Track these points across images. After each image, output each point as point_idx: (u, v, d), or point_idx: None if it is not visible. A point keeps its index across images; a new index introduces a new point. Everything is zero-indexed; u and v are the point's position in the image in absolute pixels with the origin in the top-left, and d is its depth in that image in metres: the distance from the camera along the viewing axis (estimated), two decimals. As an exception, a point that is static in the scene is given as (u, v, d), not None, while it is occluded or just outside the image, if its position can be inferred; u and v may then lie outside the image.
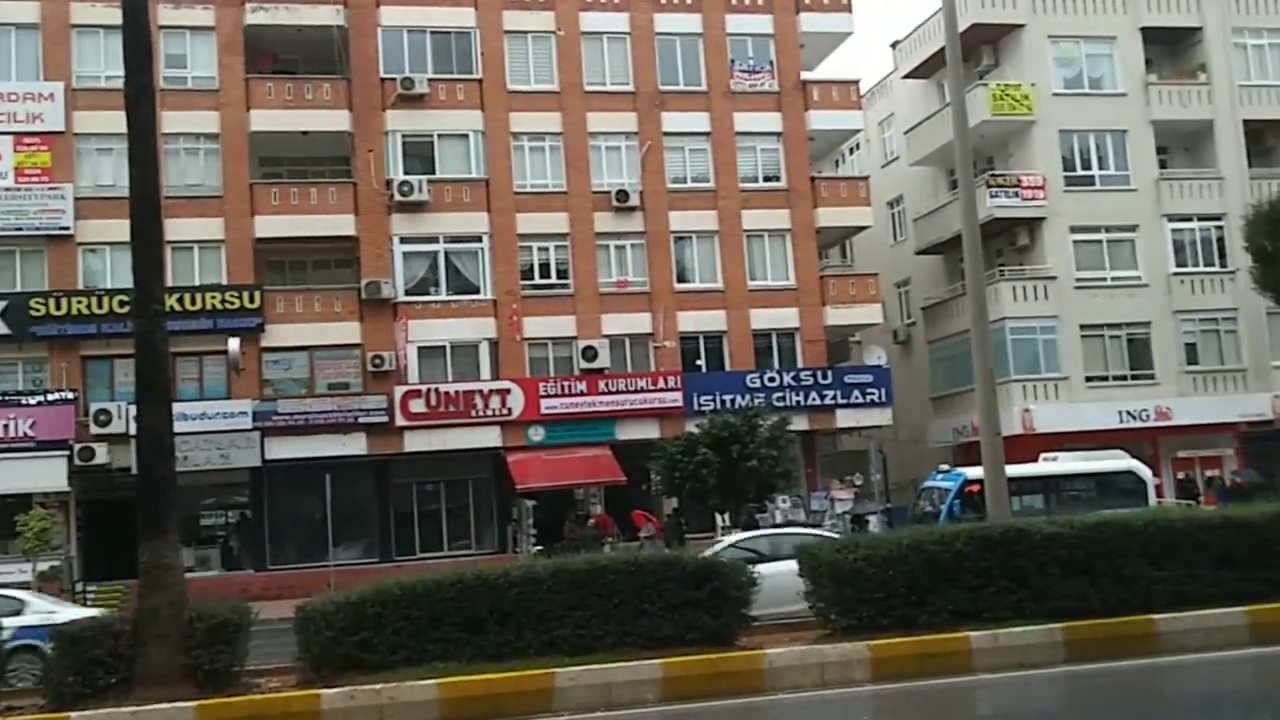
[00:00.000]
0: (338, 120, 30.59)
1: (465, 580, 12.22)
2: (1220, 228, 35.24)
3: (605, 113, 32.17)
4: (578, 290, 31.47)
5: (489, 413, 30.01)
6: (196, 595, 12.62)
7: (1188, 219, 35.20)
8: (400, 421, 29.50)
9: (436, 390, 29.79)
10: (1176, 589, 12.97)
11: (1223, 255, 35.14)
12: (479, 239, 31.18)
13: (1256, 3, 36.53)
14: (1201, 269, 35.09)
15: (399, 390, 29.59)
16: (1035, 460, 27.39)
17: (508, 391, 30.22)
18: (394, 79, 30.93)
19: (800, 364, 32.46)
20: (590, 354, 30.89)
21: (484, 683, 11.18)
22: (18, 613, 15.64)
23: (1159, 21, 35.81)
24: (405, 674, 11.38)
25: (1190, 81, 35.89)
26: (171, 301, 26.76)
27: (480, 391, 30.12)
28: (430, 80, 31.12)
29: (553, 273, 31.60)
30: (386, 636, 11.87)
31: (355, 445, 29.37)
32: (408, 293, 30.53)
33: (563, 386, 30.53)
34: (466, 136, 31.47)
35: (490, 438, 30.03)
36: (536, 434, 30.28)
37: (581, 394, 30.52)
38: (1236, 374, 34.74)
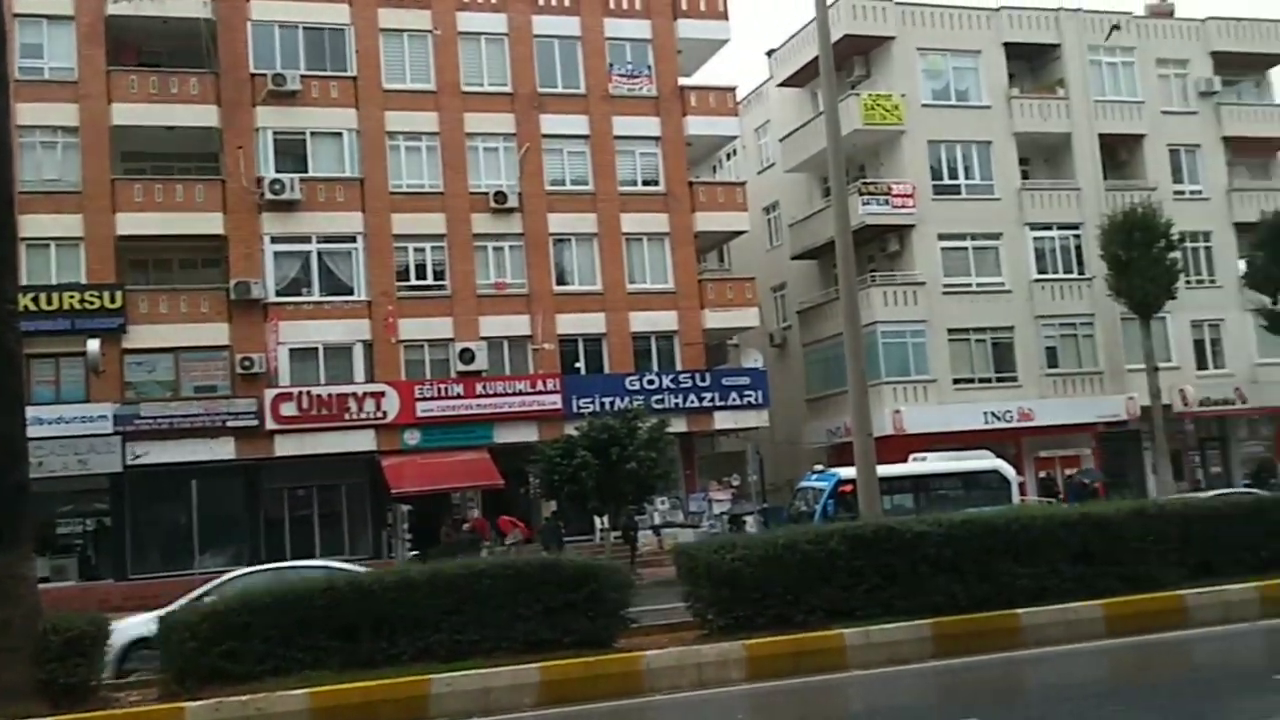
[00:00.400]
0: (205, 115, 29.75)
1: (337, 587, 11.95)
2: (1078, 236, 36.54)
3: (483, 113, 31.95)
4: (455, 292, 31.17)
5: (363, 416, 29.55)
6: (52, 606, 12.10)
7: (1048, 228, 36.39)
8: (271, 425, 28.83)
9: (309, 393, 29.25)
10: (1038, 584, 13.42)
11: (1080, 263, 36.40)
12: (353, 239, 30.65)
13: (1111, 23, 37.98)
14: (1061, 276, 36.27)
15: (269, 393, 28.94)
16: (905, 460, 28.06)
17: (382, 394, 29.76)
18: (264, 75, 30.16)
19: (679, 366, 32.70)
20: (467, 356, 30.59)
21: (357, 690, 10.92)
22: None
23: (1020, 37, 36.98)
24: (274, 684, 11.05)
25: (1050, 96, 37.13)
26: (26, 301, 25.58)
27: (354, 394, 29.63)
28: (303, 77, 30.45)
29: (429, 274, 31.22)
30: (254, 646, 11.52)
31: (223, 450, 28.60)
32: (279, 293, 29.84)
33: (439, 389, 30.19)
34: (340, 135, 30.90)
35: (364, 441, 29.55)
36: (412, 437, 29.85)
37: (458, 396, 30.21)
38: (1093, 376, 35.99)
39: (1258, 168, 40.49)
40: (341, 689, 10.93)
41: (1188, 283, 36.61)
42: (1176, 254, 34.31)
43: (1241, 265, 37.51)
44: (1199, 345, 37.77)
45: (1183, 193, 38.11)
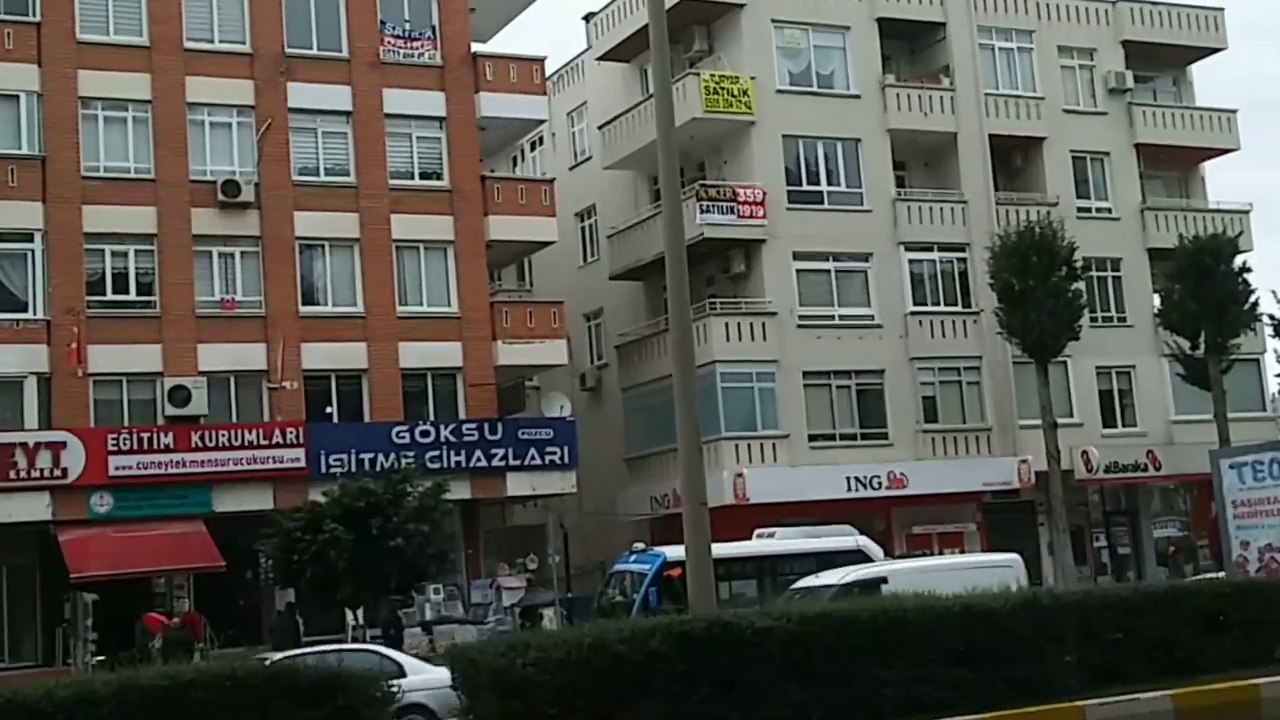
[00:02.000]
0: None
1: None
2: (963, 260, 38.06)
3: (212, 78, 31.74)
4: (166, 310, 30.77)
5: (35, 474, 28.88)
6: None
7: (927, 248, 37.77)
8: (-95, 485, 27.86)
9: (-43, 442, 28.50)
10: (908, 692, 13.82)
11: (966, 293, 37.92)
12: (28, 238, 30.10)
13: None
14: (942, 308, 37.65)
15: (-96, 442, 28.01)
16: (749, 537, 28.50)
17: (63, 445, 29.17)
18: (-95, 13, 29.42)
19: (462, 414, 32.79)
20: (181, 396, 30.17)
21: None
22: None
23: (897, 13, 38.32)
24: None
25: (932, 86, 38.62)
26: None
27: (23, 445, 28.99)
28: (-37, 19, 29.78)
29: (132, 286, 30.83)
30: None
31: None
32: (-78, 307, 29.08)
33: (141, 440, 29.67)
34: (16, 98, 30.38)
35: (36, 508, 28.92)
36: (102, 503, 29.36)
37: (167, 449, 29.78)
38: (979, 434, 37.34)
39: (1175, 183, 42.78)
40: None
41: (1093, 320, 38.22)
42: (1080, 284, 35.69)
43: (1157, 300, 39.26)
44: (1106, 397, 39.36)
45: (1088, 210, 39.89)
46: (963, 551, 36.28)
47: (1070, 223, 36.95)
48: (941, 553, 36.13)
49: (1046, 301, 34.33)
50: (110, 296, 30.62)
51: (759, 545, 27.92)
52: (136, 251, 30.89)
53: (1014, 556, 24.10)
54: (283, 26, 32.47)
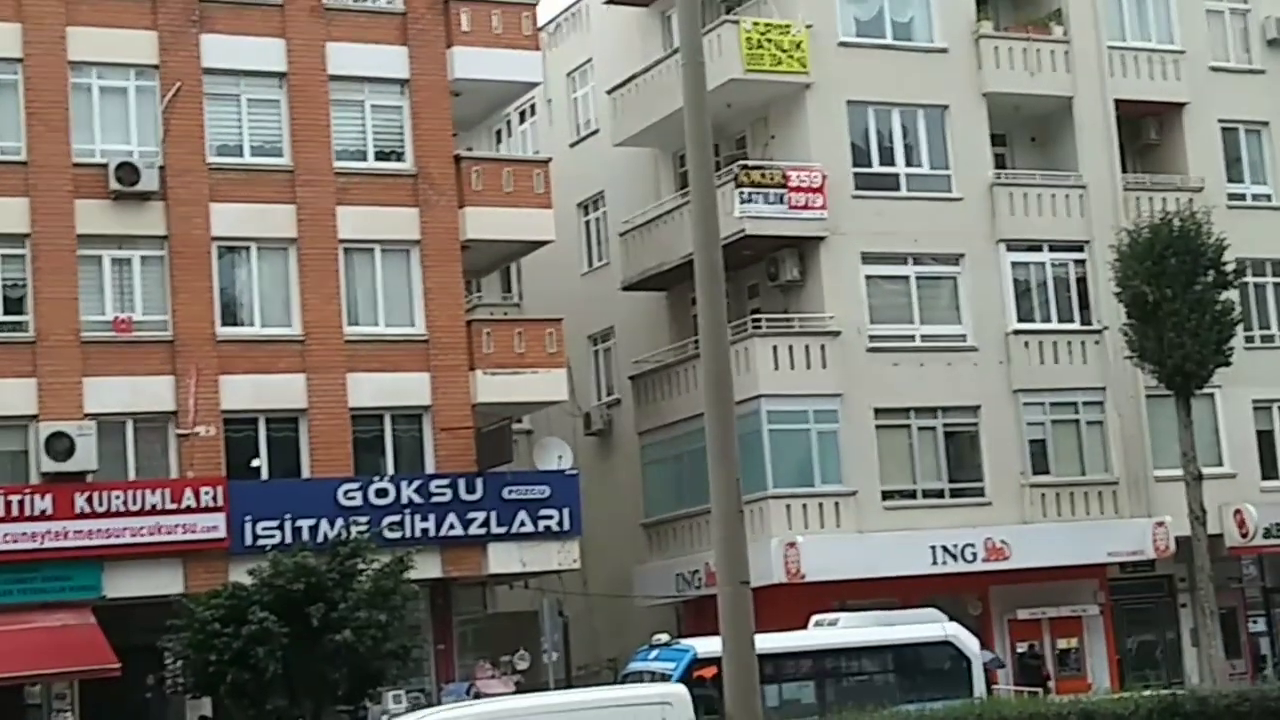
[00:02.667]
0: None
1: None
2: (1081, 263, 37.77)
3: (102, 29, 31.52)
4: (42, 334, 30.53)
5: (-127, 549, 28.93)
6: None
7: (1035, 248, 37.45)
8: None
9: None
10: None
11: (1085, 306, 37.55)
12: None
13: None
14: (1055, 325, 37.27)
15: None
16: (804, 626, 28.33)
17: (-91, 511, 29.27)
18: None
19: (431, 467, 32.74)
20: (61, 447, 29.75)
21: None
22: None
23: None
24: None
25: (1040, 37, 38.27)
26: None
27: None
28: None
29: None
30: None
31: None
32: None
33: (9, 504, 29.38)
34: None
35: (-127, 593, 28.92)
36: None
37: (44, 516, 29.45)
38: (1103, 489, 36.88)
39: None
40: None
41: (1249, 340, 37.92)
42: (1233, 294, 35.32)
43: (1332, 316, 39.52)
44: (1266, 440, 39.00)
45: (1242, 197, 39.68)
46: (1081, 642, 36.65)
47: (1219, 214, 36.76)
48: (1055, 643, 36.58)
49: (1189, 317, 33.89)
50: (-32, 317, 30.86)
51: (817, 636, 27.86)
52: (3, 257, 30.84)
53: (676, 690, 21.51)
54: (195, -40, 32.74)
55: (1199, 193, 37.66)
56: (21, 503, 29.34)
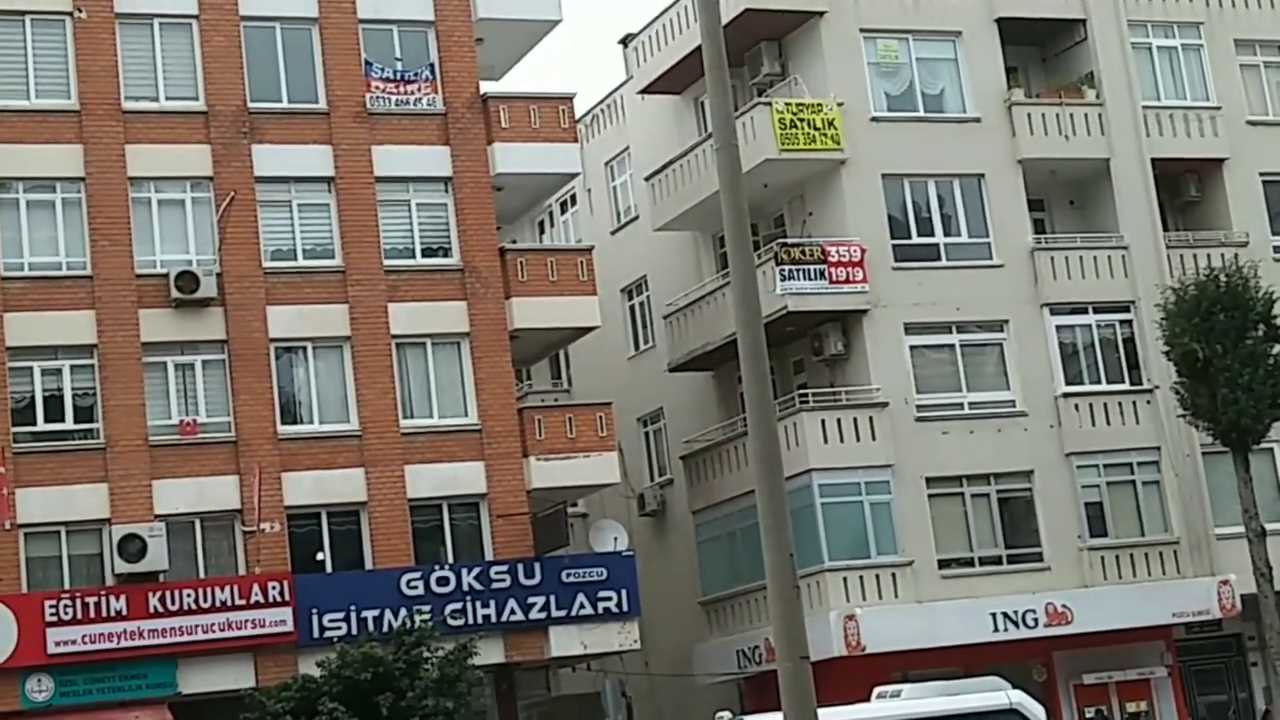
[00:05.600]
0: None
1: None
2: (1128, 323, 38.79)
3: (158, 145, 32.89)
4: (111, 440, 31.53)
5: (-47, 657, 29.61)
6: None
7: (1080, 310, 38.49)
8: None
9: None
10: None
11: (1134, 366, 38.59)
12: (-71, 355, 30.99)
13: (1161, -16, 40.63)
14: (1104, 387, 38.26)
15: None
16: (868, 698, 27.95)
17: (-12, 616, 29.94)
18: None
19: (490, 553, 33.47)
20: (133, 548, 30.65)
21: None
22: None
23: (1023, 9, 38.97)
24: None
25: (1074, 101, 39.27)
26: None
27: (-64, 620, 29.72)
28: None
29: (68, 412, 31.77)
30: None
31: None
32: None
33: (86, 606, 30.20)
34: (-92, 184, 31.72)
35: (-46, 698, 29.55)
36: (40, 690, 30.09)
37: (118, 617, 30.37)
38: (1163, 549, 37.71)
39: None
40: None
41: None
42: None
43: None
44: None
45: None
46: (1151, 705, 36.77)
47: (1266, 267, 37.29)
48: (1124, 706, 36.61)
49: (1241, 372, 34.42)
50: (41, 426, 31.50)
51: (881, 708, 27.28)
52: (72, 367, 31.70)
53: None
54: (243, 76, 33.63)
55: (1244, 247, 38.42)
56: (98, 604, 30.05)
